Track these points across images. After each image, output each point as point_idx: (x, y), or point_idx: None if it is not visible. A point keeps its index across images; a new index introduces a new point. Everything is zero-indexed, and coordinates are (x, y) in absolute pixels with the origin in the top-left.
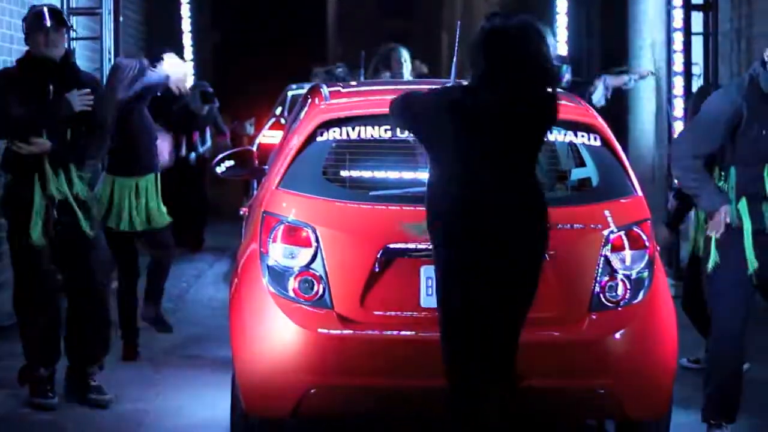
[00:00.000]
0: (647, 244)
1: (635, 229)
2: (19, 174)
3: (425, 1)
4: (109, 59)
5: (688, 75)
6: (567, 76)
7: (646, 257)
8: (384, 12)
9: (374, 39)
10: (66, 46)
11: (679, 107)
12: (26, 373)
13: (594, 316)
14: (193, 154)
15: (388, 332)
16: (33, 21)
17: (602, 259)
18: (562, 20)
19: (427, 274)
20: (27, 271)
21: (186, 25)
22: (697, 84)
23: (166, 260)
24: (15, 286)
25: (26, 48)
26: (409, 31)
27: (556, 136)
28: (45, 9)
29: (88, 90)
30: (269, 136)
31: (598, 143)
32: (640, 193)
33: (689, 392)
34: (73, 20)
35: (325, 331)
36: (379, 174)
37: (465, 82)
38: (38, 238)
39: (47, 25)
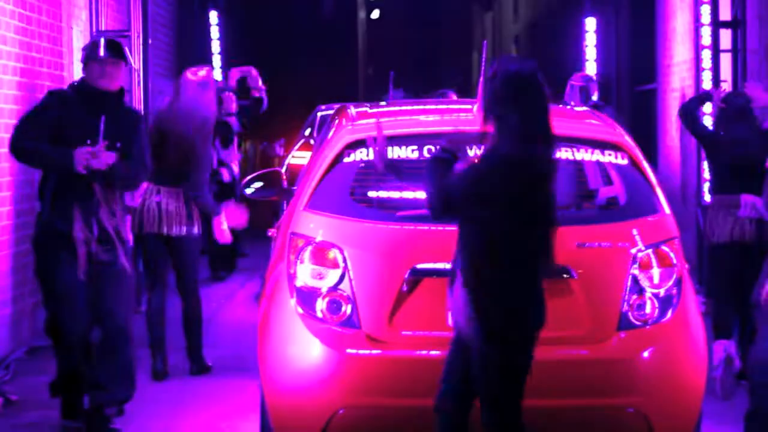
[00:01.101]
0: (675, 262)
1: (663, 247)
2: (57, 204)
3: (454, 21)
4: (139, 82)
5: None
6: (594, 97)
7: (675, 275)
8: (413, 32)
9: (404, 59)
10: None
11: (708, 125)
12: (58, 387)
13: (622, 335)
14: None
15: (417, 352)
16: (90, 50)
17: (630, 277)
18: (590, 39)
19: None
20: (61, 310)
21: (215, 47)
22: None
23: (194, 313)
24: (48, 321)
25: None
26: (438, 50)
27: (583, 155)
28: (102, 40)
29: (99, 149)
30: (298, 157)
31: (625, 162)
32: (668, 211)
33: (718, 406)
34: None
35: (354, 351)
36: (407, 194)
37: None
38: (81, 275)
39: (102, 55)
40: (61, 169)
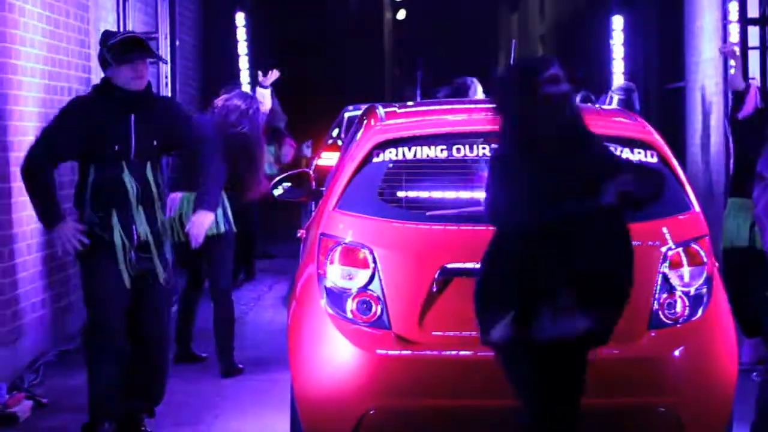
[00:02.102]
0: (705, 260)
1: (693, 245)
2: (96, 211)
3: (480, 21)
4: (166, 83)
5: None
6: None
7: (705, 274)
8: (439, 32)
9: (430, 59)
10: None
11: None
12: (89, 430)
13: (653, 334)
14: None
15: (447, 352)
16: (120, 51)
17: (660, 276)
18: (618, 37)
19: None
20: (101, 322)
21: (242, 48)
22: None
23: (227, 314)
24: (87, 330)
25: (104, 76)
26: (464, 51)
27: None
28: (129, 38)
29: (80, 229)
30: (326, 157)
31: (654, 159)
32: (698, 209)
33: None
34: None
35: (384, 352)
36: (436, 194)
37: None
38: (125, 283)
39: (135, 57)
40: (41, 220)
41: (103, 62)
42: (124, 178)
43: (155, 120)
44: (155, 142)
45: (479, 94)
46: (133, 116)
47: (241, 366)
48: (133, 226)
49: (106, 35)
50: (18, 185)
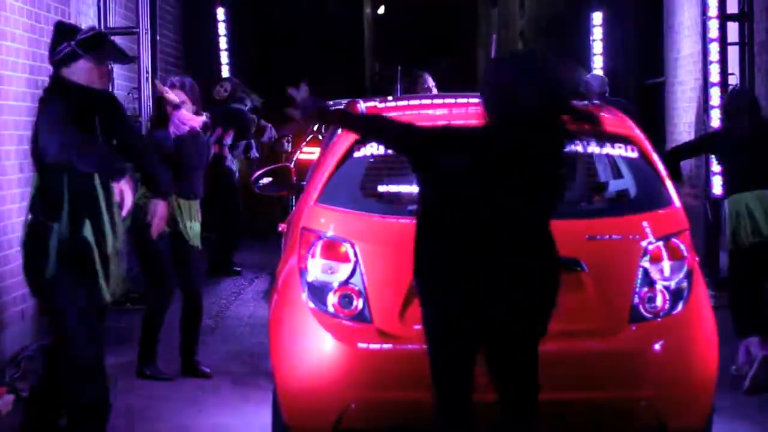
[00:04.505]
0: (686, 254)
1: (674, 239)
2: (72, 221)
3: (461, 17)
4: (147, 78)
5: (724, 85)
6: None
7: (685, 268)
8: (420, 28)
9: (411, 55)
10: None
11: (715, 118)
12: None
13: (633, 328)
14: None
15: None
16: (92, 47)
17: (641, 270)
18: (597, 33)
19: None
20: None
21: (223, 43)
22: None
23: (197, 313)
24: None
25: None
26: (445, 46)
27: (593, 147)
28: (101, 34)
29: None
30: (307, 152)
31: (635, 155)
32: (678, 204)
33: (731, 401)
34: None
35: (365, 345)
36: (417, 188)
37: None
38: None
39: (106, 57)
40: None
41: (69, 57)
42: (95, 183)
43: (114, 120)
44: (115, 142)
45: (431, 85)
46: (97, 117)
47: (207, 371)
48: (105, 236)
49: (70, 28)
50: None
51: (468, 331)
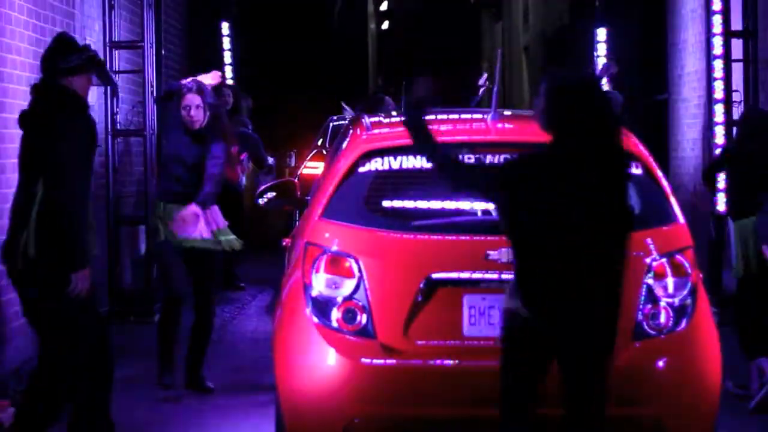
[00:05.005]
0: (690, 271)
1: (678, 256)
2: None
3: (464, 31)
4: (152, 92)
5: (728, 102)
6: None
7: (689, 285)
8: (423, 42)
9: (413, 69)
10: None
11: (720, 134)
12: None
13: (637, 345)
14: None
15: (432, 362)
16: (93, 61)
17: (645, 287)
18: (602, 49)
19: (469, 303)
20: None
21: (227, 57)
22: (738, 111)
23: (207, 327)
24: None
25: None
26: (448, 60)
27: None
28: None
29: None
30: (311, 167)
31: (639, 171)
32: (682, 220)
33: (730, 418)
34: (116, 53)
35: (369, 361)
36: (421, 204)
37: (507, 112)
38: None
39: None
40: (72, 262)
41: (78, 69)
42: None
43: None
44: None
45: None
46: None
47: (211, 386)
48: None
49: (75, 41)
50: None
51: (543, 345)
